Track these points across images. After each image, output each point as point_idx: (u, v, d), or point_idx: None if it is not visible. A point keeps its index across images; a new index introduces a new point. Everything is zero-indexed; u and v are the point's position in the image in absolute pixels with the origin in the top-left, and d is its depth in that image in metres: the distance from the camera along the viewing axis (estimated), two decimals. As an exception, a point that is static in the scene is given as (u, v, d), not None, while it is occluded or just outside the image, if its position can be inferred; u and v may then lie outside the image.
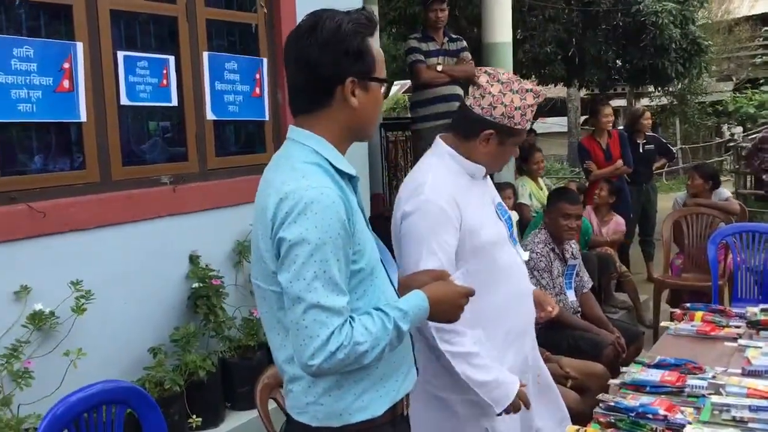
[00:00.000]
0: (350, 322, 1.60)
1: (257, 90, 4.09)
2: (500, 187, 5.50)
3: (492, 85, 2.33)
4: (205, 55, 3.80)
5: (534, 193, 6.33)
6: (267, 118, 4.17)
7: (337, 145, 1.76)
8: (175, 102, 3.65)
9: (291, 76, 1.76)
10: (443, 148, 2.44)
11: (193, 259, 3.60)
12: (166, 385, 3.18)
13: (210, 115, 3.83)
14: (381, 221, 2.58)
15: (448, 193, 2.28)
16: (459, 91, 5.79)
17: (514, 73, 8.03)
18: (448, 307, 1.82)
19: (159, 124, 3.89)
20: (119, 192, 3.36)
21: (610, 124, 6.61)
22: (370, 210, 5.06)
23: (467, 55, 5.85)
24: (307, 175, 1.64)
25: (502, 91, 2.33)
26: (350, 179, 1.77)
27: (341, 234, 1.59)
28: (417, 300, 1.74)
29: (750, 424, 2.16)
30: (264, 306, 1.76)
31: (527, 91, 2.35)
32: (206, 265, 3.61)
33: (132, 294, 3.35)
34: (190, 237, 3.62)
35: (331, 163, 1.71)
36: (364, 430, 1.74)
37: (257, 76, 4.09)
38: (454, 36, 5.92)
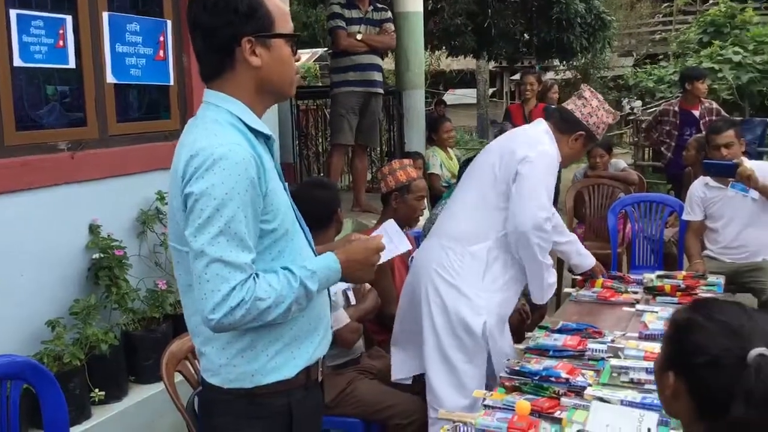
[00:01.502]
0: (254, 278, 1.59)
1: (161, 53, 3.94)
2: (410, 156, 5.54)
3: (593, 100, 3.00)
4: (105, 15, 3.61)
5: (444, 163, 6.38)
6: (171, 83, 4.02)
7: (252, 107, 1.73)
8: (72, 64, 3.46)
9: (194, 44, 1.73)
10: (548, 130, 2.98)
11: (94, 229, 3.46)
12: (65, 359, 3.06)
13: (110, 79, 3.66)
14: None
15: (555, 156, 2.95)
16: (378, 60, 5.76)
17: (426, 43, 8.04)
18: (361, 266, 1.84)
19: (57, 87, 3.68)
20: (13, 158, 3.17)
21: (530, 93, 6.84)
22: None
23: (390, 26, 5.81)
24: (219, 133, 1.61)
25: (599, 106, 3.00)
26: (266, 140, 1.74)
27: (249, 191, 1.57)
28: (327, 261, 1.75)
29: (647, 386, 2.26)
30: (179, 268, 1.73)
31: (611, 113, 3.06)
32: (108, 235, 3.47)
33: (28, 265, 3.19)
34: (90, 206, 3.47)
35: (246, 124, 1.68)
36: (277, 392, 1.74)
37: (161, 38, 3.93)
38: (379, 5, 5.86)
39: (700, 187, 4.42)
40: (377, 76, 5.80)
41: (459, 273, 2.81)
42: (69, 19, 3.43)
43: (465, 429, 2.02)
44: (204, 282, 1.56)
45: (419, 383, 3.05)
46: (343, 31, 5.59)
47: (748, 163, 4.09)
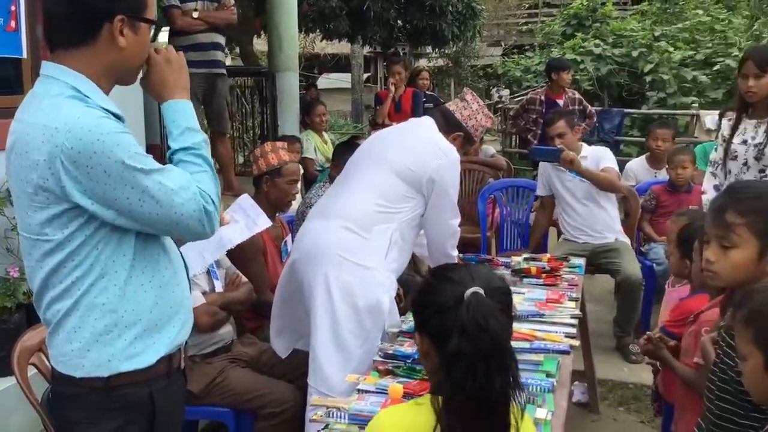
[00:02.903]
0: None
1: (12, 23, 3.64)
2: (287, 140, 5.45)
3: (473, 103, 3.13)
4: (-54, -21, 3.31)
5: (319, 147, 6.33)
6: (24, 56, 3.73)
7: (96, 84, 1.64)
8: None
9: (51, 5, 1.60)
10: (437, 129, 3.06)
11: (-67, 214, 3.17)
12: None
13: (-46, 50, 3.36)
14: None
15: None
16: (219, 39, 5.51)
17: (300, 25, 7.92)
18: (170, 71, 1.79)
19: None
20: None
21: (398, 80, 6.84)
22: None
23: (229, 0, 5.58)
24: (71, 107, 1.53)
25: (478, 110, 3.12)
26: (116, 119, 1.64)
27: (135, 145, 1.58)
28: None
29: (514, 365, 2.31)
30: (29, 257, 1.64)
31: (489, 117, 3.20)
32: (-49, 220, 3.20)
33: None
34: (-71, 188, 3.18)
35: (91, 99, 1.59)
36: (136, 382, 1.66)
37: (12, 7, 3.63)
38: None
39: (549, 166, 4.70)
40: (219, 56, 5.55)
41: (366, 251, 2.79)
42: None
43: (339, 414, 1.99)
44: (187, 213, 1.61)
45: (293, 372, 3.00)
46: (177, 10, 5.30)
47: (589, 150, 4.55)
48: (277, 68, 6.98)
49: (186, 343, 1.84)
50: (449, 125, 3.07)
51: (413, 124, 3.23)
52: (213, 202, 1.67)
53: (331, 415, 2.01)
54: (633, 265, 4.41)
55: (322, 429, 1.98)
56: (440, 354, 1.43)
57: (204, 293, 2.92)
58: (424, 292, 1.55)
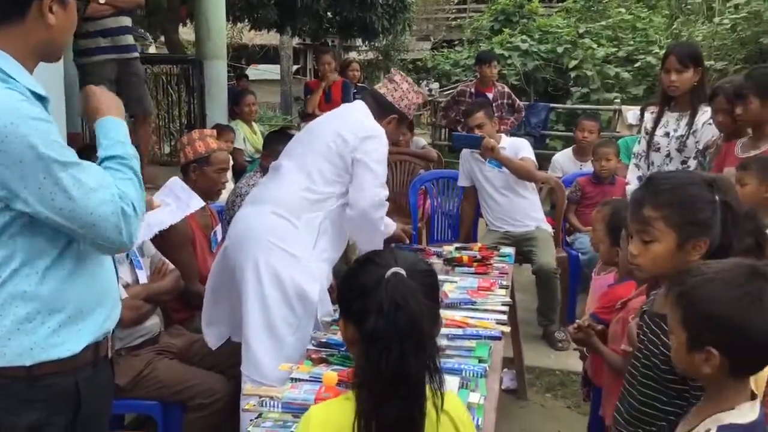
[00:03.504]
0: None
1: None
2: (220, 129, 5.36)
3: (403, 83, 3.10)
4: None
5: (248, 137, 6.24)
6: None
7: (21, 64, 1.57)
8: None
9: None
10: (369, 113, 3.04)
11: None
12: None
13: None
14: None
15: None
16: (127, 22, 5.35)
17: (227, 14, 7.77)
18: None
19: None
20: None
21: (328, 70, 6.84)
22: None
23: None
24: None
25: (409, 89, 3.10)
26: (40, 100, 1.57)
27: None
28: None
29: (447, 351, 2.33)
30: None
31: (420, 93, 3.21)
32: None
33: None
34: None
35: (15, 80, 1.52)
36: (61, 371, 1.60)
37: None
38: None
39: (470, 157, 4.77)
40: (130, 40, 5.39)
41: (295, 240, 2.77)
42: None
43: (272, 403, 1.97)
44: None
45: (225, 363, 2.95)
46: None
47: (508, 141, 4.69)
48: (205, 56, 6.84)
49: (113, 332, 1.78)
50: (382, 108, 3.07)
51: (344, 109, 3.24)
52: (134, 208, 1.60)
53: (264, 405, 1.98)
54: (548, 255, 4.51)
55: (255, 418, 1.95)
56: (361, 337, 1.42)
57: (126, 286, 2.82)
58: (348, 276, 1.54)
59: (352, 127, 2.93)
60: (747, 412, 1.53)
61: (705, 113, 3.61)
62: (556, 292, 4.59)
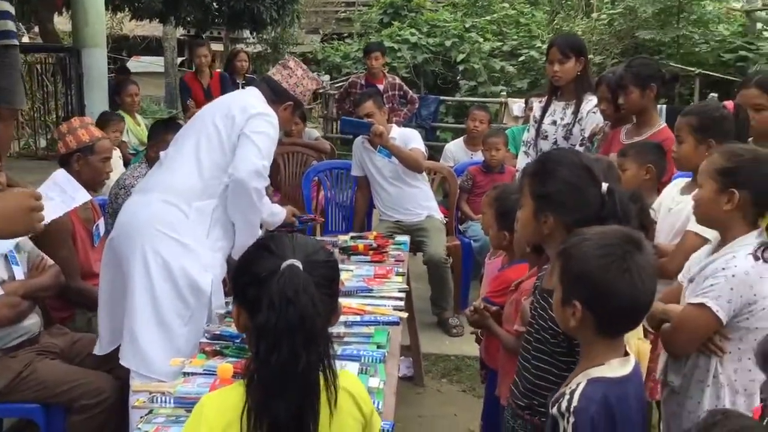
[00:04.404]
0: None
1: None
2: (109, 117, 5.13)
3: (297, 70, 3.07)
4: None
5: (132, 129, 5.98)
6: None
7: None
8: None
9: None
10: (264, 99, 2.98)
11: None
12: None
13: None
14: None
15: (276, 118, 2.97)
16: (7, 7, 5.04)
17: (106, 4, 7.44)
18: (14, 212, 1.61)
19: None
20: None
21: (204, 64, 6.73)
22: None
23: None
24: None
25: (303, 75, 3.08)
26: None
27: None
28: None
29: (346, 339, 2.31)
30: None
31: (314, 79, 3.19)
32: None
33: None
34: None
35: None
36: None
37: None
38: None
39: (361, 146, 4.80)
40: (10, 26, 5.10)
41: (186, 228, 2.65)
42: None
43: (163, 399, 1.88)
44: None
45: (111, 362, 2.80)
46: None
47: (398, 132, 4.71)
48: (83, 44, 6.52)
49: None
50: (277, 95, 3.02)
51: (236, 94, 3.18)
52: None
53: (155, 401, 1.90)
54: (437, 245, 4.57)
55: (146, 415, 1.86)
56: (252, 329, 1.38)
57: (2, 283, 2.64)
58: (243, 261, 1.49)
59: (241, 106, 2.87)
60: (617, 368, 1.61)
61: (590, 102, 3.74)
62: (448, 281, 4.66)
